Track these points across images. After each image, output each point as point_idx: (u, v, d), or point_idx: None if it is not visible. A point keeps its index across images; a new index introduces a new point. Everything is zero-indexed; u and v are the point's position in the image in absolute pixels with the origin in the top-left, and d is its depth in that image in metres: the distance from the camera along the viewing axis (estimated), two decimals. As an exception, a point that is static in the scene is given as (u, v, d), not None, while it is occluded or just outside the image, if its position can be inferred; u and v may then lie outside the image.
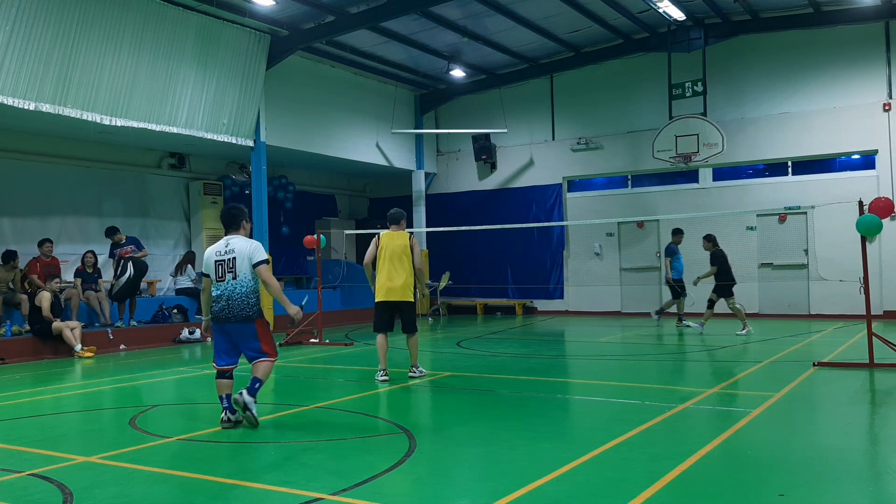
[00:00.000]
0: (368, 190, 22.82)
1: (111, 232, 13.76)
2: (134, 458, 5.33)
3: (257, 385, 6.12)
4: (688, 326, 14.17)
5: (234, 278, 6.16)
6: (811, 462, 4.96)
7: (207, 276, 6.35)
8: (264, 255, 6.25)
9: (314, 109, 16.86)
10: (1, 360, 11.16)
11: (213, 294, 6.25)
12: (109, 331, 12.87)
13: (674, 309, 14.95)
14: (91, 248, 13.90)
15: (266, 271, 6.20)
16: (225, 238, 6.36)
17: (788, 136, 16.33)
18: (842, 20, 15.49)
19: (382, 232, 8.91)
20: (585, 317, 17.76)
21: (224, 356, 6.32)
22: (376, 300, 8.63)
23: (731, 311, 13.37)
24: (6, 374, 10.11)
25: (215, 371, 6.36)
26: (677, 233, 14.73)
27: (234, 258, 6.19)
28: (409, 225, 19.80)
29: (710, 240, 13.54)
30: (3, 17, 10.77)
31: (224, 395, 6.28)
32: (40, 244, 13.02)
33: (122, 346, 12.74)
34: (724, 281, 13.20)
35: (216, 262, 6.26)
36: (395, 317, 8.66)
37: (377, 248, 8.68)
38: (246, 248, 6.20)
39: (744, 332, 12.83)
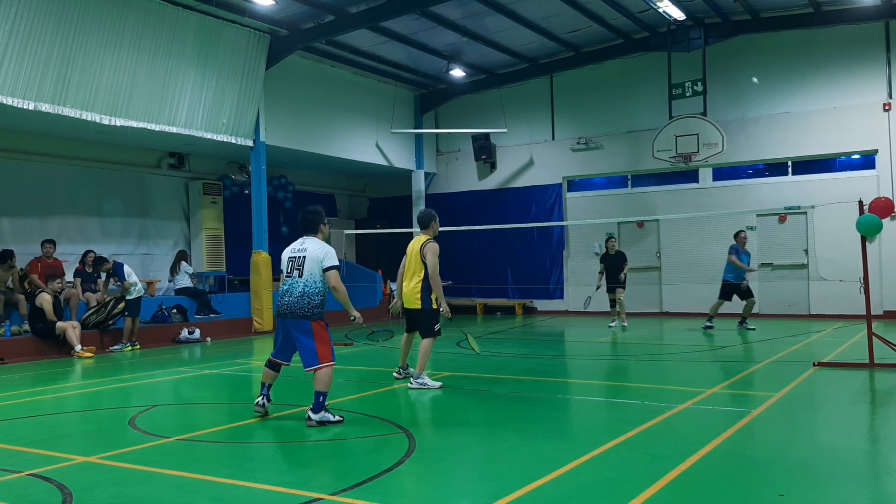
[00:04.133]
0: (368, 190, 22.81)
1: (99, 262, 12.85)
2: (134, 458, 5.32)
3: (321, 398, 6.23)
4: (751, 329, 13.48)
5: (300, 276, 6.36)
6: (811, 462, 4.95)
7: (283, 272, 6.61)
8: (335, 261, 6.43)
9: (314, 109, 16.86)
10: (0, 360, 11.15)
11: (282, 288, 6.46)
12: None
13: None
14: (91, 248, 13.89)
15: (335, 277, 6.37)
16: (301, 238, 6.59)
17: (788, 136, 16.32)
18: (842, 20, 15.49)
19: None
20: (585, 317, 17.75)
21: (279, 349, 6.55)
22: None
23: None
24: (6, 374, 10.10)
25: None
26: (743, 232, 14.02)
27: (305, 257, 6.39)
28: (408, 225, 19.85)
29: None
30: (3, 17, 10.75)
31: (265, 384, 6.58)
32: (42, 245, 13.02)
33: (121, 346, 12.70)
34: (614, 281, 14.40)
35: (289, 258, 6.50)
36: (414, 322, 8.52)
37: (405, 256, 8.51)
38: (318, 252, 6.41)
39: (614, 324, 14.46)
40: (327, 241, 6.66)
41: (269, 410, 6.62)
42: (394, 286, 19.08)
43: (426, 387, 8.02)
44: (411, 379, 8.21)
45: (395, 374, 8.69)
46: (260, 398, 6.56)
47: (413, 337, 8.58)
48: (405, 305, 8.34)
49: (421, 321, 8.19)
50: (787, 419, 6.38)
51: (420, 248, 8.12)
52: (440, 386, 8.05)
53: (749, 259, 13.95)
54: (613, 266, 14.44)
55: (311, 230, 6.57)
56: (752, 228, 16.60)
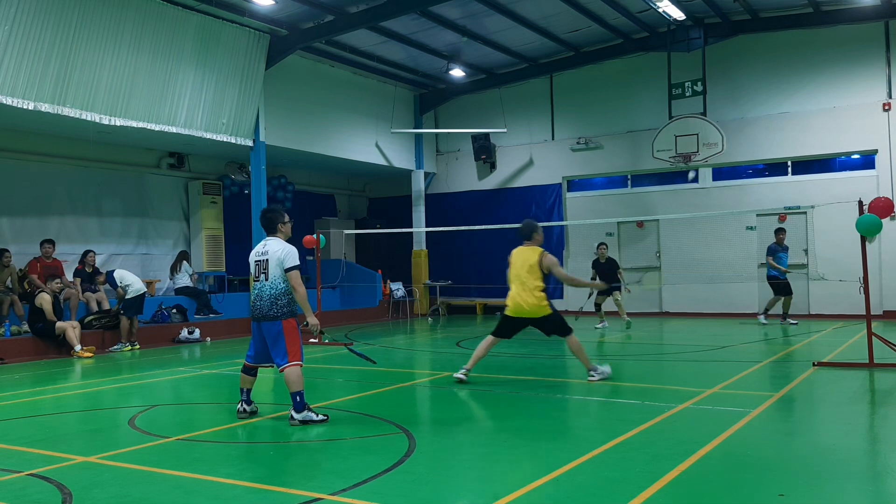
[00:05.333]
0: (368, 190, 22.81)
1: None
2: (134, 458, 5.32)
3: (298, 398, 6.26)
4: (793, 324, 14.15)
5: (266, 279, 6.40)
6: (811, 462, 4.95)
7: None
8: (296, 262, 6.42)
9: (314, 109, 16.85)
10: (1, 359, 11.14)
11: (252, 294, 6.54)
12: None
13: (778, 308, 14.50)
14: (91, 248, 13.90)
15: (295, 277, 6.38)
16: (263, 240, 6.61)
17: (788, 135, 16.32)
18: (841, 20, 15.49)
19: (515, 249, 8.55)
20: (585, 317, 17.74)
21: (254, 353, 6.58)
22: (505, 312, 8.42)
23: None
24: (6, 373, 10.09)
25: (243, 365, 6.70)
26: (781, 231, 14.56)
27: (268, 260, 6.41)
28: (408, 225, 19.87)
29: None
30: (2, 17, 10.74)
31: (244, 389, 6.61)
32: (41, 245, 13.03)
33: (120, 346, 12.70)
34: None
35: (255, 262, 6.55)
36: (516, 331, 8.47)
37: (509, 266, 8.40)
38: (278, 252, 6.41)
39: (602, 325, 14.48)
40: (289, 236, 6.67)
41: (257, 410, 6.66)
42: (394, 286, 19.21)
43: (603, 375, 8.24)
44: (590, 373, 8.28)
45: (460, 375, 8.34)
46: (240, 405, 6.60)
47: (497, 342, 8.49)
48: (530, 316, 8.20)
49: (556, 325, 8.27)
50: (787, 419, 6.38)
51: (539, 260, 8.15)
52: (608, 373, 8.29)
53: (786, 256, 14.37)
54: (606, 274, 14.00)
55: (271, 230, 6.58)
56: (752, 228, 16.61)
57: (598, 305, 14.72)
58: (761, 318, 14.36)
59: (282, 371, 6.32)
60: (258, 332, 6.46)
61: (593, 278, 14.12)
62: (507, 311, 8.37)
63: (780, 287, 14.24)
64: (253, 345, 6.58)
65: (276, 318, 6.31)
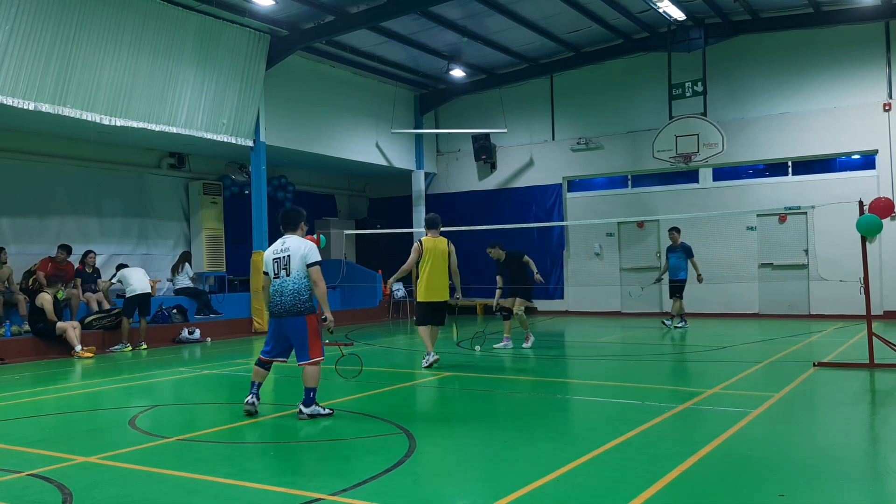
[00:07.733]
0: (368, 190, 22.81)
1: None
2: (134, 458, 5.33)
3: (311, 394, 6.43)
4: (676, 327, 14.23)
5: (288, 275, 6.50)
6: (811, 462, 4.95)
7: (267, 274, 6.70)
8: (318, 257, 6.56)
9: (314, 109, 16.86)
10: (1, 360, 11.15)
11: (272, 290, 6.60)
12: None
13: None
14: (91, 249, 13.90)
15: (317, 272, 6.51)
16: (281, 238, 6.72)
17: (788, 136, 16.32)
18: (842, 20, 15.49)
19: (423, 238, 9.66)
20: (585, 317, 17.74)
21: (271, 348, 6.68)
22: (419, 300, 9.57)
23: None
24: (6, 374, 10.10)
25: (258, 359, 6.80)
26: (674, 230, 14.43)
27: (289, 256, 6.52)
28: (408, 225, 19.91)
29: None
30: (3, 17, 10.75)
31: (255, 382, 6.69)
32: (58, 248, 13.14)
33: (120, 347, 12.70)
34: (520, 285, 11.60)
35: (274, 259, 6.62)
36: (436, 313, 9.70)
37: (420, 253, 9.52)
38: (300, 248, 6.54)
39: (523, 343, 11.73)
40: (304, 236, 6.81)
41: (258, 411, 6.70)
42: (394, 286, 19.20)
43: (429, 361, 9.42)
44: (428, 355, 9.51)
45: (430, 363, 9.46)
46: (250, 397, 6.65)
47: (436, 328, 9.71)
48: (439, 299, 9.51)
49: (444, 312, 9.69)
50: (787, 419, 6.38)
51: (450, 250, 9.56)
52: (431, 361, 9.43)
53: (674, 259, 14.20)
54: (511, 270, 11.72)
55: (292, 227, 6.71)
56: (752, 228, 16.61)
57: (507, 314, 11.83)
58: (672, 322, 14.23)
59: (304, 366, 6.43)
60: (278, 328, 6.57)
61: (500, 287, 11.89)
62: (426, 298, 9.49)
63: (679, 289, 14.15)
64: (271, 340, 6.67)
65: (300, 312, 6.43)
